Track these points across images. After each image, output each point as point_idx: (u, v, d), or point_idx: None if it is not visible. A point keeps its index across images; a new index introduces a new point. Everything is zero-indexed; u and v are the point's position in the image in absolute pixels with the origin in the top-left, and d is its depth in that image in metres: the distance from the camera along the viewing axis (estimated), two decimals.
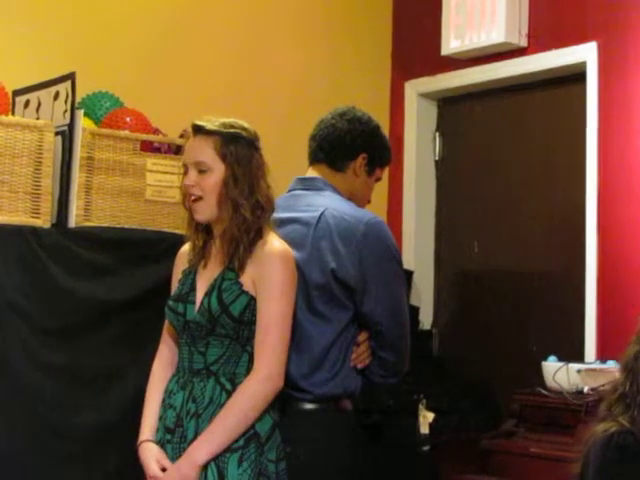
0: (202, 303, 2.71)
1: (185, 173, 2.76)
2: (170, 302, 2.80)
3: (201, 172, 2.72)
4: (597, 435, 2.35)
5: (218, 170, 2.71)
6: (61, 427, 3.17)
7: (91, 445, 3.21)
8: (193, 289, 2.76)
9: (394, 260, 2.93)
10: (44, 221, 3.25)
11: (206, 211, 2.73)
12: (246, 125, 2.77)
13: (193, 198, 2.73)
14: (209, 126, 2.73)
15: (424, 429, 4.07)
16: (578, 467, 2.40)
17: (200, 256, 2.79)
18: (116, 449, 3.18)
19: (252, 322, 2.68)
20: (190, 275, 2.80)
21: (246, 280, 2.69)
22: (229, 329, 2.68)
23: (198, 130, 2.74)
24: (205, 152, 2.72)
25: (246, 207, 2.69)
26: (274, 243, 2.72)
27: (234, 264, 2.70)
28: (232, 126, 2.74)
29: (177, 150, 3.43)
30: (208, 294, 2.71)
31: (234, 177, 2.70)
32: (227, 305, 2.67)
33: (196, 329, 2.72)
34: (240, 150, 2.72)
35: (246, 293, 2.68)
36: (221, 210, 2.72)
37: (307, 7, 4.78)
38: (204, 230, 2.79)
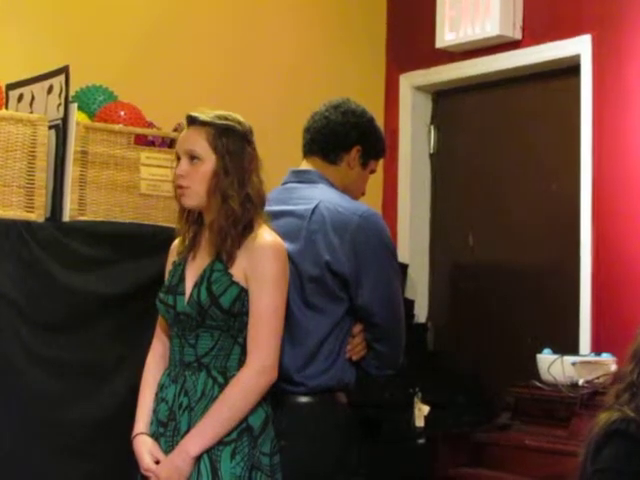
0: (191, 295, 2.71)
1: (177, 161, 2.77)
2: (161, 294, 2.80)
3: (192, 162, 2.73)
4: (600, 423, 2.35)
5: (209, 160, 2.72)
6: (56, 421, 3.16)
7: (86, 439, 3.20)
8: (182, 280, 2.76)
9: (389, 252, 2.93)
10: (38, 215, 3.24)
11: (194, 197, 2.73)
12: (241, 119, 2.78)
13: (181, 186, 2.73)
14: (203, 117, 2.74)
15: (419, 422, 4.09)
16: (582, 455, 2.40)
17: (189, 247, 2.79)
18: (111, 442, 3.18)
19: (243, 314, 2.68)
20: (179, 266, 2.80)
21: (237, 272, 2.69)
22: (219, 321, 2.67)
23: (192, 121, 2.75)
24: (197, 142, 2.72)
25: (235, 199, 2.69)
26: (265, 236, 2.71)
27: (222, 256, 2.70)
28: (226, 118, 2.75)
29: (171, 144, 3.42)
30: (197, 285, 2.70)
31: (225, 168, 2.70)
32: (217, 296, 2.67)
33: (186, 321, 2.72)
34: (232, 142, 2.72)
35: (236, 284, 2.68)
36: (210, 200, 2.72)
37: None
38: (195, 221, 2.79)
